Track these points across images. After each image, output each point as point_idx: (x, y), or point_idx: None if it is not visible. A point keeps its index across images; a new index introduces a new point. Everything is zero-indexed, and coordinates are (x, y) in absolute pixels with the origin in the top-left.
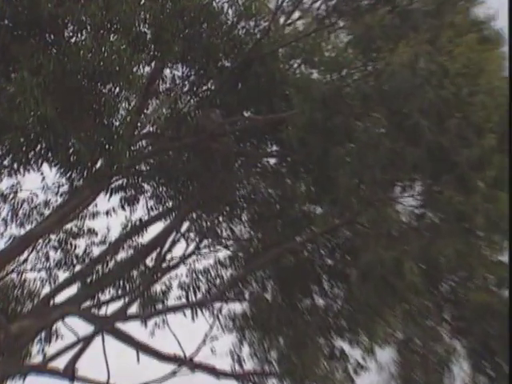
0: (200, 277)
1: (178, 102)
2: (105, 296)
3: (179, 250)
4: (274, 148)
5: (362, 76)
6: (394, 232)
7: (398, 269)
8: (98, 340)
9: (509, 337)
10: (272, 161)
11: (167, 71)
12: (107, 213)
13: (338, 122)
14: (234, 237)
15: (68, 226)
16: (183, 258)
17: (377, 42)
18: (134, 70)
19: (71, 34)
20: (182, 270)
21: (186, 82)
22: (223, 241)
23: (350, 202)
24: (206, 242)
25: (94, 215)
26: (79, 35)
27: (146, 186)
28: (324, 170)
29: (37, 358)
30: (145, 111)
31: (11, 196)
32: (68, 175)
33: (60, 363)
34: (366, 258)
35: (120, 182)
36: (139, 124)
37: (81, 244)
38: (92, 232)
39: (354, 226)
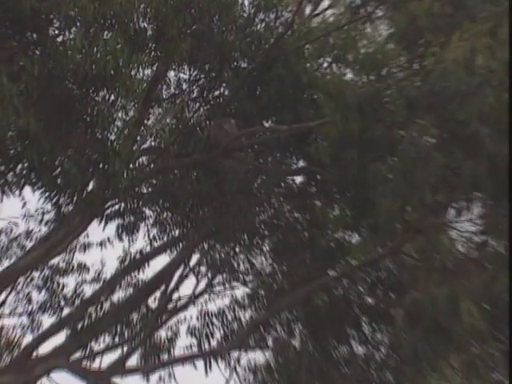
0: (214, 320)
1: (185, 110)
2: (99, 345)
3: (188, 287)
4: (301, 164)
5: (407, 76)
6: (449, 264)
7: (453, 309)
8: None
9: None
10: (298, 179)
11: (172, 74)
12: (101, 244)
13: (377, 133)
14: (253, 271)
15: (54, 260)
16: (193, 298)
17: (424, 35)
18: (133, 73)
19: (58, 31)
20: (192, 311)
21: (195, 87)
22: (241, 276)
23: (393, 228)
24: (220, 277)
25: (86, 247)
26: (67, 33)
27: (147, 212)
28: (361, 190)
29: None
30: (146, 122)
31: None
32: (54, 200)
33: None
34: (414, 296)
35: (117, 207)
36: (139, 138)
37: (70, 282)
38: (83, 267)
39: (400, 257)
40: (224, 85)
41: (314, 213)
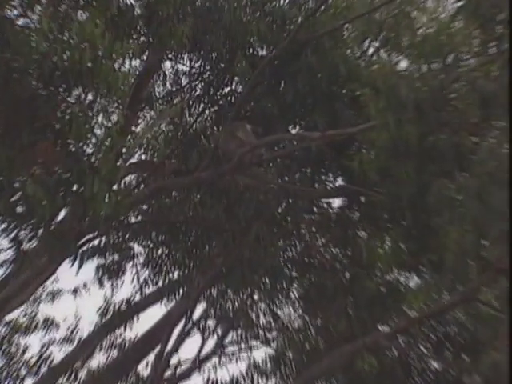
0: None
1: (186, 113)
2: None
3: (191, 348)
4: (340, 183)
5: (481, 65)
6: None
7: None
8: None
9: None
10: (336, 202)
11: (168, 66)
12: (75, 292)
13: (441, 140)
14: (278, 325)
15: (13, 314)
16: (198, 362)
17: (504, 9)
18: (117, 65)
19: (18, 11)
20: (197, 381)
21: (198, 83)
22: (261, 332)
23: (465, 267)
24: (233, 334)
25: (55, 296)
26: (30, 14)
27: (136, 248)
28: (421, 217)
29: None
30: (134, 129)
31: None
32: (14, 234)
33: None
34: (494, 358)
35: (96, 242)
36: (125, 150)
37: (34, 343)
38: (51, 323)
39: (475, 307)
40: (236, 79)
41: (358, 247)
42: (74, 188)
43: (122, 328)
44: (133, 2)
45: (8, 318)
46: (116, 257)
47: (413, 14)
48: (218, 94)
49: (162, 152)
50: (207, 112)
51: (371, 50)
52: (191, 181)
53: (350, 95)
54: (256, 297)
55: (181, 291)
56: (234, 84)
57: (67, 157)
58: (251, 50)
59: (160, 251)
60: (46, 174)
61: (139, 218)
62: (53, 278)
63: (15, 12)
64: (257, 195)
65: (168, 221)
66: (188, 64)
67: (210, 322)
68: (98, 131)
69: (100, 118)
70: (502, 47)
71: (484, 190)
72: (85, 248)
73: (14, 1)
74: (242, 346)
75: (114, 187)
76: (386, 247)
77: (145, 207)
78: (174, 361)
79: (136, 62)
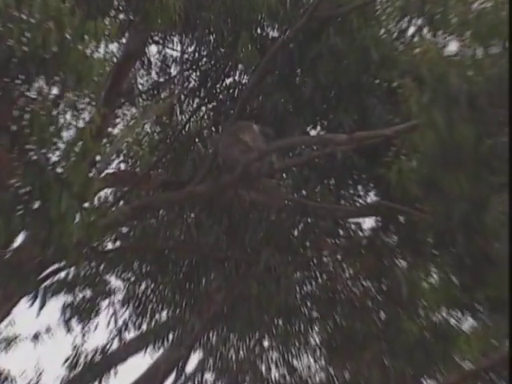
0: None
1: (176, 110)
2: None
3: None
4: (372, 198)
5: None
6: None
7: None
8: None
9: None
10: (368, 223)
11: (154, 51)
12: (36, 338)
13: (503, 143)
14: (294, 380)
15: None
16: None
17: None
18: (89, 50)
19: None
20: None
21: (192, 72)
22: None
23: None
24: None
25: (10, 344)
26: None
27: (114, 281)
28: (476, 242)
29: None
30: (111, 131)
31: None
32: None
33: None
34: None
35: (63, 274)
36: (100, 157)
37: None
38: (5, 379)
39: None
40: (240, 67)
41: (396, 280)
42: (36, 206)
43: None
44: None
45: None
46: (88, 293)
47: None
48: (218, 86)
49: (146, 160)
50: (203, 109)
51: (411, 30)
52: (184, 196)
53: (384, 87)
54: (266, 343)
55: (171, 337)
56: (237, 74)
57: (27, 166)
58: (259, 31)
59: (144, 286)
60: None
61: (118, 243)
62: (7, 320)
63: None
64: (267, 214)
65: (154, 247)
66: (179, 48)
67: (208, 376)
68: (65, 134)
69: (68, 117)
70: None
71: None
72: (48, 282)
73: None
74: None
75: (87, 205)
76: (431, 280)
77: (125, 230)
78: None
79: (114, 46)
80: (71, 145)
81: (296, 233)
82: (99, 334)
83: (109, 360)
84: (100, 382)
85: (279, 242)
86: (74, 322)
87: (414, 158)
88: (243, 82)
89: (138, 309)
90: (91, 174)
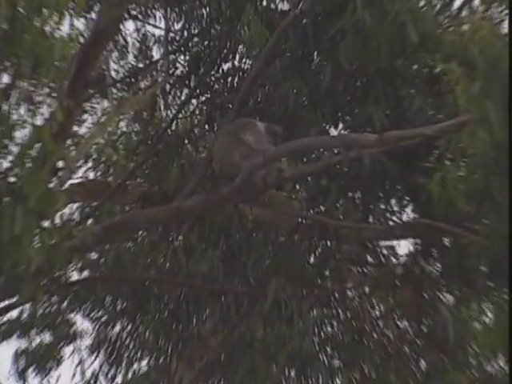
0: None
1: (160, 104)
2: None
3: None
4: (409, 214)
5: None
6: None
7: None
8: None
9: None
10: (403, 246)
11: (130, 28)
12: None
13: None
14: None
15: None
16: None
17: None
18: (48, 28)
19: None
20: None
21: (180, 55)
22: None
23: None
24: None
25: None
26: None
27: (81, 322)
28: None
29: None
30: (77, 130)
31: None
32: None
33: None
34: None
35: (16, 312)
36: (63, 164)
37: None
38: None
39: None
40: (241, 49)
41: (440, 319)
42: None
43: None
44: None
45: None
46: (48, 337)
47: None
48: (212, 73)
49: (122, 166)
50: (194, 102)
51: (459, 1)
52: (169, 213)
53: (424, 74)
54: None
55: None
56: (237, 57)
57: None
58: (265, 2)
59: (119, 327)
60: None
61: (86, 273)
62: None
63: None
64: (275, 236)
65: (132, 278)
66: (163, 25)
67: None
68: (19, 134)
69: (23, 113)
70: None
71: None
72: None
73: None
74: None
75: (47, 224)
76: (485, 319)
77: (95, 256)
78: None
79: (80, 23)
80: (26, 148)
81: (312, 259)
82: None
83: None
84: None
85: (291, 271)
86: (29, 373)
87: (463, 163)
88: (245, 67)
89: (110, 357)
90: (52, 185)
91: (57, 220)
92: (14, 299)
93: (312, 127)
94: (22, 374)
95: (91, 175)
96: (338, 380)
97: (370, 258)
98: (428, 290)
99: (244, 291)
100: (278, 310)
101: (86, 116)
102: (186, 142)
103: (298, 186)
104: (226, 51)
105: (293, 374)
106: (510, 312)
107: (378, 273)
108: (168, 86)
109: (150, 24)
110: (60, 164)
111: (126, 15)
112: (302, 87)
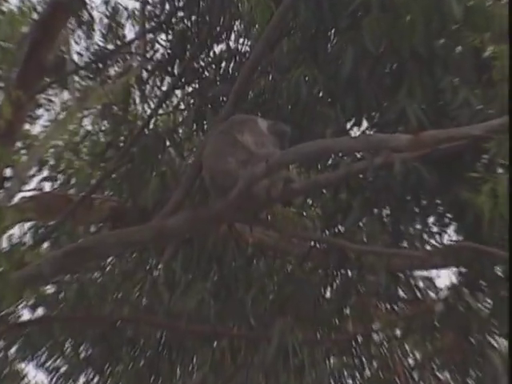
0: None
1: (135, 96)
2: None
3: None
4: (451, 236)
5: None
6: None
7: None
8: None
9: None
10: (444, 277)
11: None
12: None
13: None
14: None
15: None
16: None
17: None
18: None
19: None
20: None
21: (161, 33)
22: None
23: None
24: None
25: None
26: None
27: (34, 374)
28: None
29: None
30: (29, 129)
31: None
32: None
33: None
34: None
35: None
36: (10, 171)
37: None
38: None
39: None
40: (238, 27)
41: (491, 368)
42: None
43: None
44: None
45: None
46: None
47: None
48: (202, 56)
49: (85, 176)
50: (179, 94)
51: None
52: (147, 234)
53: (470, 58)
54: None
55: None
56: (232, 37)
57: None
58: None
59: (82, 380)
60: None
61: (40, 311)
62: None
63: None
64: (281, 263)
65: (99, 318)
66: None
67: None
68: None
69: None
70: None
71: None
72: None
73: None
74: None
75: None
76: None
77: (52, 289)
78: None
79: None
80: None
81: (328, 294)
82: None
83: None
84: None
85: (301, 309)
86: None
87: None
88: (243, 50)
89: None
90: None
91: (4, 243)
92: None
93: (328, 125)
94: None
95: (47, 187)
96: None
97: (401, 293)
98: (475, 333)
99: (242, 334)
100: (284, 357)
101: (40, 111)
102: (168, 144)
103: (310, 201)
104: (218, 29)
105: None
106: (510, 309)
107: (413, 311)
108: (145, 74)
109: None
110: (8, 172)
111: None
112: (315, 75)
